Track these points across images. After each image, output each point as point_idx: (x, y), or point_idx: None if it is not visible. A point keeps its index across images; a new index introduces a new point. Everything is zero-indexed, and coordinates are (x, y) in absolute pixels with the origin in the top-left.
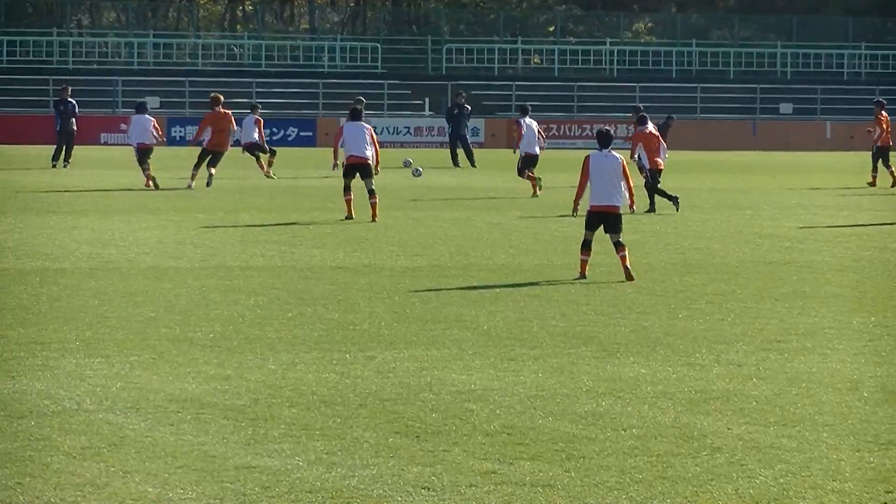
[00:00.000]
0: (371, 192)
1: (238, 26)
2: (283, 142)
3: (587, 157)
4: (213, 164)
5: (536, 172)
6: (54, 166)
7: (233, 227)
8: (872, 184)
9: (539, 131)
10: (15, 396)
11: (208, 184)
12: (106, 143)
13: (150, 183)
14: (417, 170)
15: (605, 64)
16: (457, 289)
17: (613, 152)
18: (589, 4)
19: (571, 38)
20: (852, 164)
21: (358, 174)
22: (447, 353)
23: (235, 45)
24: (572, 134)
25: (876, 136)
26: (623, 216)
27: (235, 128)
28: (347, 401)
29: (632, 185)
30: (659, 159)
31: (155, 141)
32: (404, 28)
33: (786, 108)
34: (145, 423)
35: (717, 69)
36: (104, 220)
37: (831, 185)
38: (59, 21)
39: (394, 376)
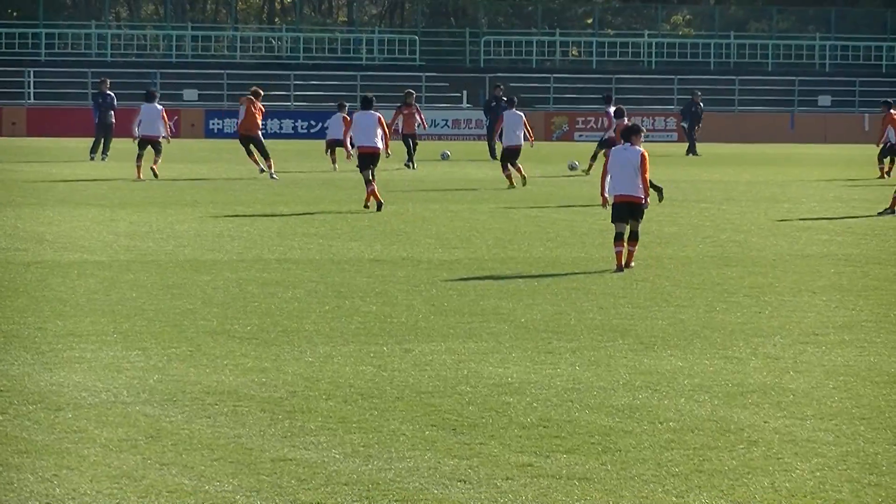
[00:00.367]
0: (371, 180)
1: (276, 19)
2: (322, 134)
3: (610, 150)
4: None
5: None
6: (92, 159)
7: (270, 219)
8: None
9: (525, 123)
10: (52, 388)
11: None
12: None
13: (154, 170)
14: (445, 153)
15: (644, 56)
16: (494, 281)
17: (635, 146)
18: None
19: (609, 31)
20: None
21: (371, 164)
22: (484, 346)
23: (274, 38)
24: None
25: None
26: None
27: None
28: (384, 393)
29: (647, 179)
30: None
31: (163, 133)
32: (442, 20)
33: (824, 100)
34: (182, 416)
35: (755, 61)
36: (142, 212)
37: (869, 178)
38: (98, 14)
39: (431, 369)
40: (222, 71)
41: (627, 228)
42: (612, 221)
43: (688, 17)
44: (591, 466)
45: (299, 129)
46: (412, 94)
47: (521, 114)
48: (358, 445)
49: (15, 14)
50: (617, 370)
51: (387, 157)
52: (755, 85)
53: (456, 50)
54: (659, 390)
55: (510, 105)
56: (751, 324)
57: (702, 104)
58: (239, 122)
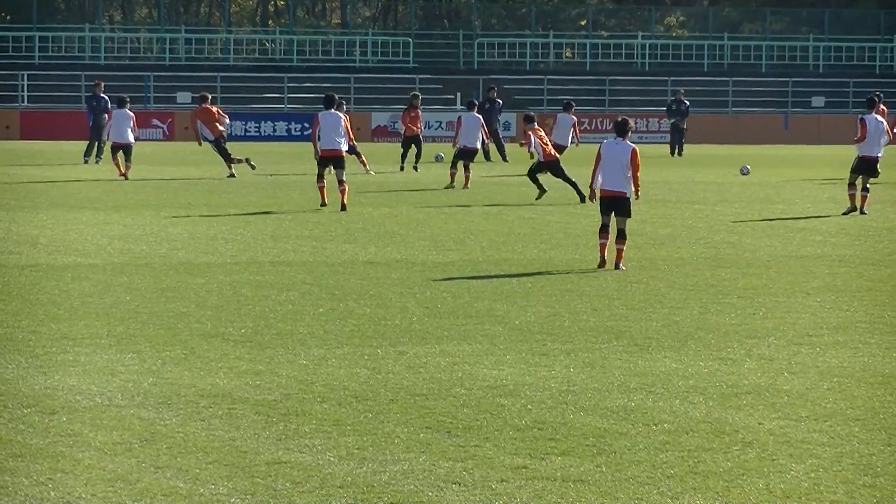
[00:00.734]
0: (341, 182)
1: (270, 21)
2: None
3: (601, 145)
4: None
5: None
6: (86, 161)
7: (264, 222)
8: None
9: (482, 126)
10: (47, 392)
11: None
12: (137, 139)
13: (125, 174)
14: (439, 155)
15: (637, 58)
16: (488, 283)
17: (626, 141)
18: None
19: (603, 32)
20: (884, 158)
21: (331, 165)
22: (479, 348)
23: (267, 40)
24: (604, 128)
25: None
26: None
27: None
28: (379, 396)
29: (638, 174)
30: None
31: (132, 140)
32: (436, 22)
33: (818, 101)
34: (177, 419)
35: (748, 62)
36: (136, 215)
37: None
38: (92, 17)
39: (425, 371)
40: (216, 73)
41: (613, 220)
42: (600, 213)
43: (681, 18)
44: (585, 468)
45: (293, 132)
46: (418, 96)
47: (480, 117)
48: (352, 448)
49: (8, 17)
50: (611, 372)
51: (348, 152)
52: (749, 86)
53: (449, 52)
54: (653, 392)
55: (469, 107)
56: (745, 325)
57: (687, 101)
58: (210, 130)
